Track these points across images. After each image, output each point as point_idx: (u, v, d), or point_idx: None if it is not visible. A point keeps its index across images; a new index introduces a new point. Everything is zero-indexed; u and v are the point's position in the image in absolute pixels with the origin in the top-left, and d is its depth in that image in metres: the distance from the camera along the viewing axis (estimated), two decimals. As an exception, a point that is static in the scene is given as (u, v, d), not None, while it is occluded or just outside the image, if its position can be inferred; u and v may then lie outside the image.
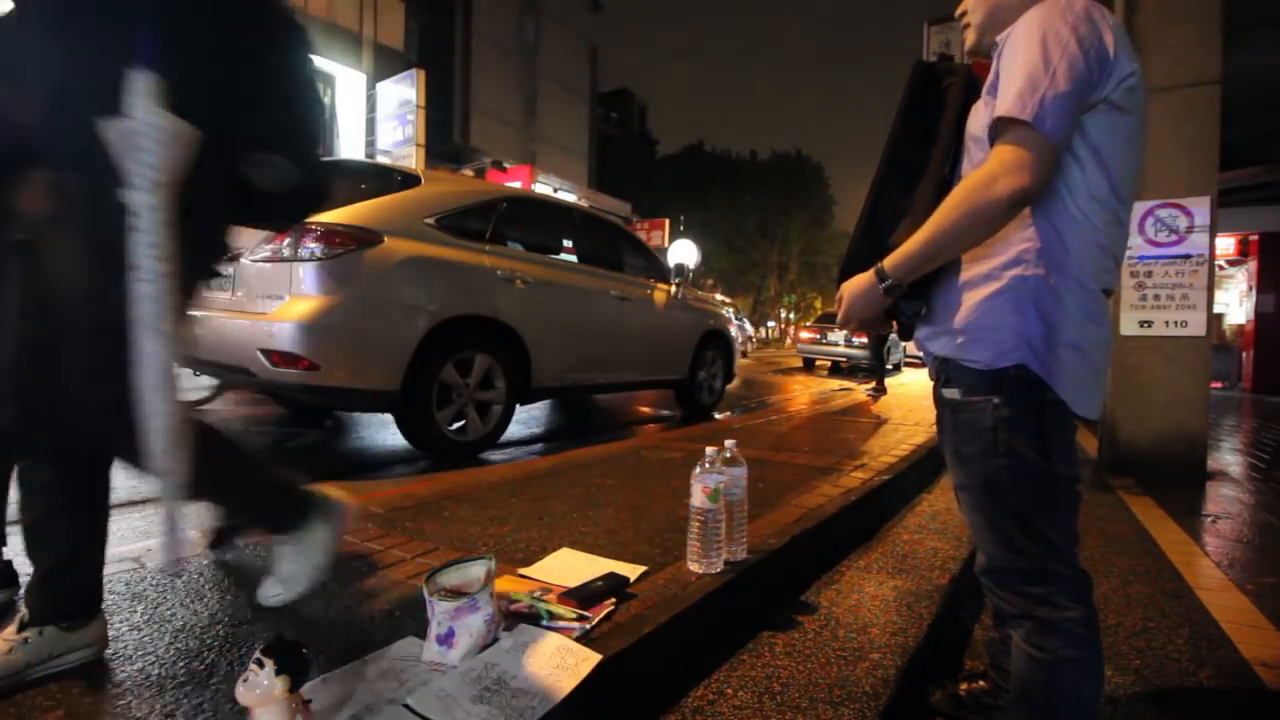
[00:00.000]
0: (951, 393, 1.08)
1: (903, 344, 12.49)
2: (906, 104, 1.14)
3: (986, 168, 0.92)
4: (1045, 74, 0.90)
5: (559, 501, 2.35)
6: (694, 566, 1.65)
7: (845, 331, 12.36)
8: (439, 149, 18.72)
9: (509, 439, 4.08)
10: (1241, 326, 11.38)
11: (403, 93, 15.51)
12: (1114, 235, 1.02)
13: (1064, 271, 0.98)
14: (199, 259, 1.14)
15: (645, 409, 6.11)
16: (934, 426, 1.26)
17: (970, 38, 1.13)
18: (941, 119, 1.11)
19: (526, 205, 4.14)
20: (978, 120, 1.05)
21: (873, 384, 7.55)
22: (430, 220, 3.27)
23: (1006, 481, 1.02)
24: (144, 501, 2.50)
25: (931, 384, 1.22)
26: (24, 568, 1.27)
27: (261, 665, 0.89)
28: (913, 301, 1.11)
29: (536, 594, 1.45)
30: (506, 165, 19.01)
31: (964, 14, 1.14)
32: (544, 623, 1.31)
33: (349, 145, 16.04)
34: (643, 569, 1.66)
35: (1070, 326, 0.98)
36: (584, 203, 14.84)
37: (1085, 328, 0.99)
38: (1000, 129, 0.93)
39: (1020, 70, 0.92)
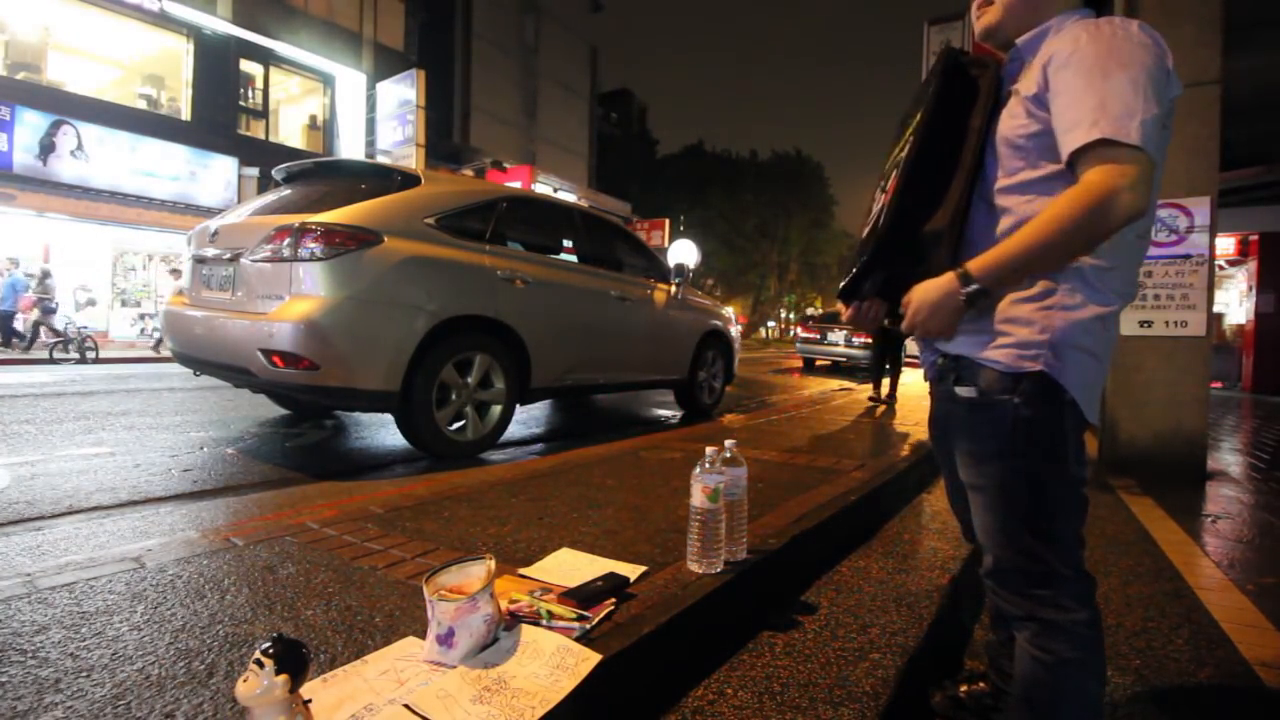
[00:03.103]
0: (967, 391, 1.06)
1: (907, 341, 12.38)
2: (939, 92, 1.09)
3: (1104, 182, 0.87)
4: (1138, 98, 0.88)
5: (559, 501, 2.35)
6: (694, 566, 1.64)
7: (845, 331, 12.35)
8: (439, 149, 18.75)
9: (509, 439, 4.08)
10: (1241, 326, 11.38)
11: (403, 93, 15.53)
12: (1143, 248, 1.03)
13: (1093, 286, 0.98)
14: None
15: (645, 409, 6.11)
16: (934, 426, 1.26)
17: (992, 17, 1.08)
18: (973, 110, 1.08)
19: (526, 205, 4.13)
20: (1013, 124, 1.01)
21: (884, 393, 6.39)
22: (430, 220, 3.27)
23: (1023, 482, 1.02)
24: (144, 501, 2.51)
25: (929, 383, 1.22)
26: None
27: (261, 665, 0.89)
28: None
29: (536, 594, 1.45)
30: (506, 165, 19.03)
31: None
32: (544, 623, 1.31)
33: (349, 145, 16.07)
34: (643, 569, 1.66)
35: (1091, 335, 0.98)
36: (584, 203, 14.84)
37: (1100, 334, 1.00)
38: (1095, 149, 0.89)
39: (1110, 93, 0.89)
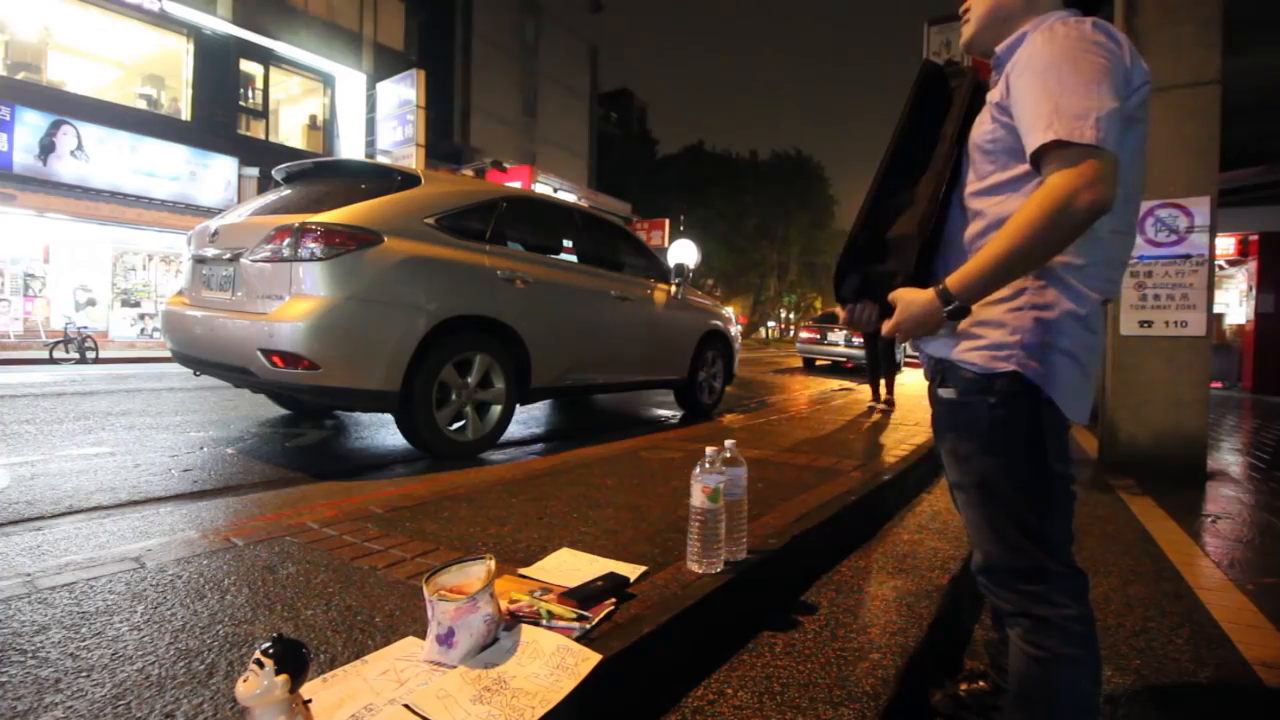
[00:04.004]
0: (948, 392, 1.10)
1: (903, 344, 12.34)
2: (913, 100, 1.14)
3: (1062, 183, 0.88)
4: (1091, 96, 0.89)
5: (559, 501, 2.35)
6: (694, 566, 1.64)
7: (845, 331, 12.34)
8: (439, 149, 18.76)
9: (509, 439, 4.08)
10: (1241, 326, 11.38)
11: (403, 93, 15.53)
12: (1122, 244, 1.04)
13: (1065, 283, 0.99)
14: None
15: (645, 409, 6.11)
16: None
17: (968, 30, 1.13)
18: (946, 118, 1.12)
19: (526, 205, 4.13)
20: (981, 131, 1.05)
21: (884, 398, 6.04)
22: (430, 220, 3.27)
23: (1003, 480, 1.04)
24: (144, 501, 2.51)
25: (927, 384, 1.23)
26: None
27: (261, 665, 0.89)
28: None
29: (536, 594, 1.45)
30: (506, 165, 19.03)
31: (966, 9, 1.14)
32: (544, 623, 1.31)
33: (349, 145, 16.08)
34: (643, 569, 1.66)
35: (1066, 335, 1.00)
36: (584, 203, 14.85)
37: (1080, 336, 1.01)
38: (1052, 150, 0.90)
39: (1063, 94, 0.90)
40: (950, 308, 0.99)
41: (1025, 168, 0.99)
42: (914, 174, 1.12)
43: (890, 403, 6.07)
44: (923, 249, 1.08)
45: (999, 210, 1.02)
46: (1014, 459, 1.03)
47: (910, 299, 1.04)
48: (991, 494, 1.05)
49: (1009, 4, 1.06)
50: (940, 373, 1.12)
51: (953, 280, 0.99)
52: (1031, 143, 0.93)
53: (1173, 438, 3.80)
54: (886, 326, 1.08)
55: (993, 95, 1.04)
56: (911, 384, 8.95)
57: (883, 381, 6.17)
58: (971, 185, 1.07)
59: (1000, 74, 1.07)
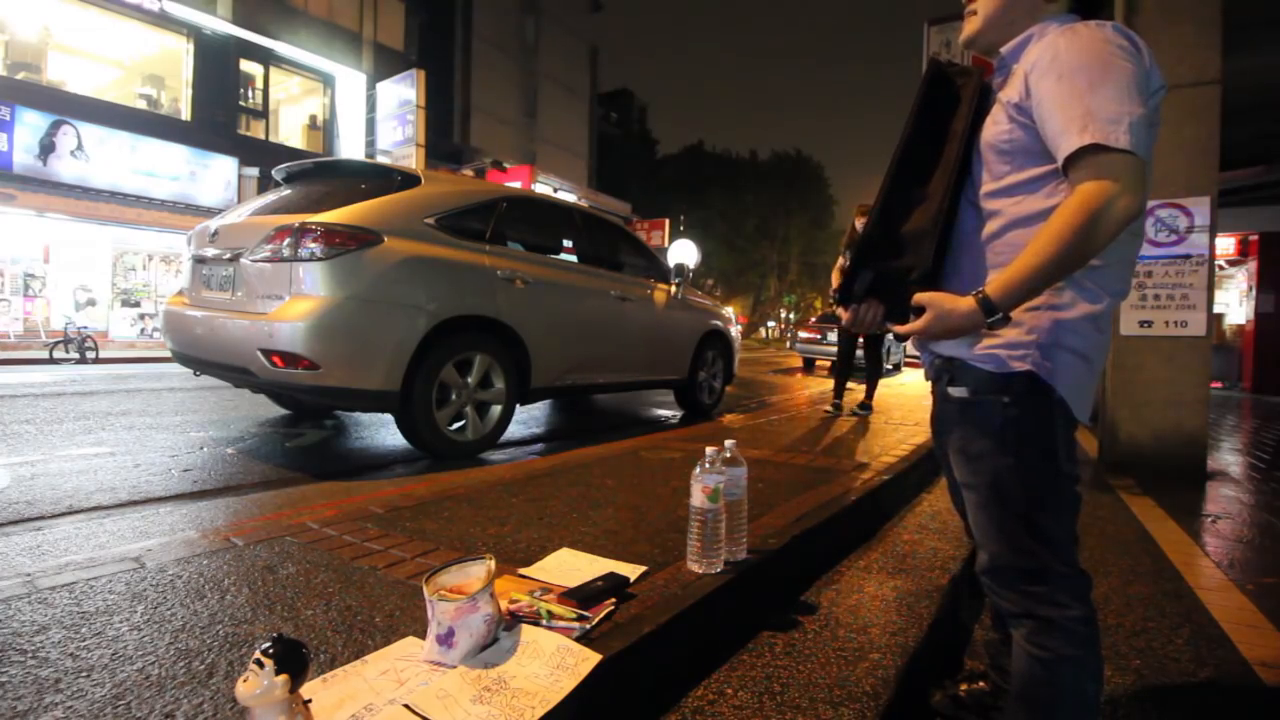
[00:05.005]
0: (959, 391, 1.09)
1: (902, 344, 12.36)
2: (922, 99, 1.14)
3: (1099, 190, 0.88)
4: (1122, 100, 0.89)
5: (559, 501, 2.35)
6: (694, 566, 1.64)
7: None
8: (439, 149, 18.76)
9: (509, 439, 4.08)
10: (1241, 326, 11.38)
11: (403, 93, 15.54)
12: (1135, 245, 1.05)
13: (1081, 285, 0.99)
14: None
15: (645, 409, 6.11)
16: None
17: (973, 26, 1.12)
18: (955, 115, 1.11)
19: (526, 205, 4.13)
20: (996, 131, 1.04)
21: (861, 399, 5.49)
22: (430, 220, 3.27)
23: (1014, 480, 1.03)
24: (144, 501, 2.51)
25: (929, 383, 1.22)
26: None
27: (261, 665, 0.89)
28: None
29: (536, 594, 1.45)
30: (506, 165, 19.03)
31: (973, 3, 1.13)
32: (544, 623, 1.31)
33: (349, 145, 16.08)
34: (643, 569, 1.66)
35: (1080, 335, 1.00)
36: (584, 203, 14.85)
37: (1092, 336, 1.01)
38: (1087, 155, 0.90)
39: (1094, 98, 0.90)
40: (994, 319, 0.97)
41: (1041, 169, 0.99)
42: (925, 171, 1.11)
43: (869, 404, 5.59)
44: (938, 245, 1.08)
45: (1017, 210, 1.02)
46: (1026, 459, 1.02)
47: (949, 306, 1.00)
48: (1001, 494, 1.04)
49: (1019, 3, 1.06)
50: (949, 371, 1.11)
51: (993, 289, 0.96)
52: (1065, 146, 0.91)
53: (1173, 437, 3.80)
54: (906, 329, 1.06)
55: (1009, 95, 1.02)
56: (912, 383, 8.94)
57: (856, 385, 5.67)
58: (986, 185, 1.06)
59: (1004, 74, 1.07)
